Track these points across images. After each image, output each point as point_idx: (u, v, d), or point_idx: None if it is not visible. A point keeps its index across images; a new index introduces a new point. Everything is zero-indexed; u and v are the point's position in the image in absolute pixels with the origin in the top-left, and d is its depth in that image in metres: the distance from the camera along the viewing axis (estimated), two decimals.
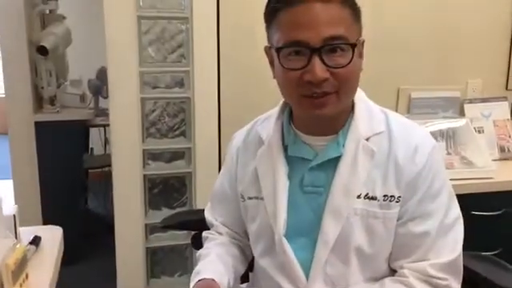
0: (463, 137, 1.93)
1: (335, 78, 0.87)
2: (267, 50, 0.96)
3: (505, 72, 2.23)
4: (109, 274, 2.04)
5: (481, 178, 1.78)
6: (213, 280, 0.96)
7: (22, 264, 0.80)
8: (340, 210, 0.93)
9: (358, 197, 0.93)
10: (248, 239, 1.12)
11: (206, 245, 1.13)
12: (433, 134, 1.88)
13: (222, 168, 1.16)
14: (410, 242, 0.93)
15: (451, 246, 0.94)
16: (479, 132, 2.08)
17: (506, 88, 2.23)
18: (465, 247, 0.96)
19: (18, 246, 0.83)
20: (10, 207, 0.95)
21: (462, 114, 2.12)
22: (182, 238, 2.04)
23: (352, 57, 0.86)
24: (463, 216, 0.97)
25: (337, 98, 0.89)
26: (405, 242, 0.94)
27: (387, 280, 0.94)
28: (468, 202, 1.21)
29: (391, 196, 0.93)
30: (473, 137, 1.92)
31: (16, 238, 0.93)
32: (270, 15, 0.91)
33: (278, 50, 0.89)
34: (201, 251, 1.11)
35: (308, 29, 0.85)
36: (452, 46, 2.13)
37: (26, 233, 1.00)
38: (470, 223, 1.01)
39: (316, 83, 0.86)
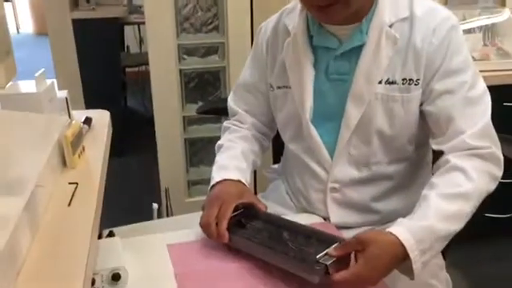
0: (502, 29, 1.88)
1: None
2: None
3: None
4: (151, 164, 2.19)
5: None
6: (239, 181, 1.02)
7: (78, 137, 0.89)
8: (362, 95, 0.97)
9: (380, 82, 0.96)
10: (270, 128, 1.19)
11: (227, 136, 1.16)
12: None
13: (250, 58, 1.17)
14: (441, 116, 0.95)
15: (481, 112, 0.94)
16: None
17: None
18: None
19: (73, 122, 0.92)
20: (62, 91, 1.03)
21: (502, 3, 2.03)
22: (217, 129, 2.12)
23: None
24: (495, 107, 0.97)
25: (344, 6, 0.89)
26: (437, 117, 0.95)
27: (434, 178, 0.92)
28: (501, 93, 1.19)
29: (410, 79, 0.95)
30: None
31: (69, 117, 1.02)
32: None
33: None
34: (223, 142, 1.14)
35: None
36: None
37: (77, 115, 1.08)
38: (502, 114, 1.02)
39: None
